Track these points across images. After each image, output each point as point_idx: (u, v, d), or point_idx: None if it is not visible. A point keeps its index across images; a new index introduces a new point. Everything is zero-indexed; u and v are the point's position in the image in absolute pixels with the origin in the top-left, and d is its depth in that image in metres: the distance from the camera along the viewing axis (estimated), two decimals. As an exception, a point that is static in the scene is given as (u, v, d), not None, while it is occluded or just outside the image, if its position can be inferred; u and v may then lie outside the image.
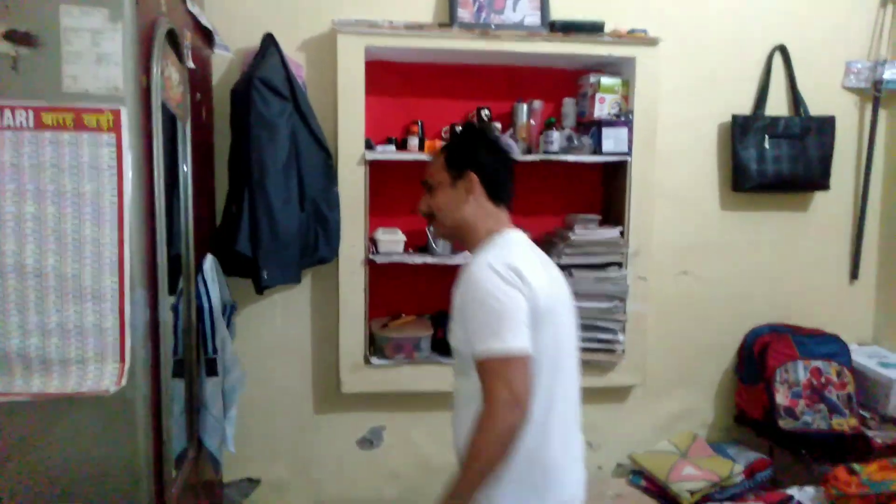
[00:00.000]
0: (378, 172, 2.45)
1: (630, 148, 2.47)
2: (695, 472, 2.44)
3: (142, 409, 1.42)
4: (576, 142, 2.46)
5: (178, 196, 1.81)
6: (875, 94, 2.72)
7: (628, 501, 2.45)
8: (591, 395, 2.69)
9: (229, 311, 2.10)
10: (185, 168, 1.79)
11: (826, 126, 2.68)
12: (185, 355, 1.83)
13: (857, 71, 2.74)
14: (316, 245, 2.29)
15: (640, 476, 2.58)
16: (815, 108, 2.69)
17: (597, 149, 2.45)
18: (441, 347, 2.50)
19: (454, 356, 1.41)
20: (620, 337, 2.49)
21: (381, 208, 2.50)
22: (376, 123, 2.45)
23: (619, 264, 2.49)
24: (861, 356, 2.64)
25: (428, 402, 2.57)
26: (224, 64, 2.37)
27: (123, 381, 1.37)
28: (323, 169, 2.30)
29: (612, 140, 2.45)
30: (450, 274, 2.61)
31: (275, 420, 2.52)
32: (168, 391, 1.52)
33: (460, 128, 1.51)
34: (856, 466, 2.15)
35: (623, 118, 2.48)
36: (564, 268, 2.45)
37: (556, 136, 2.44)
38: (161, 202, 1.47)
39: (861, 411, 2.50)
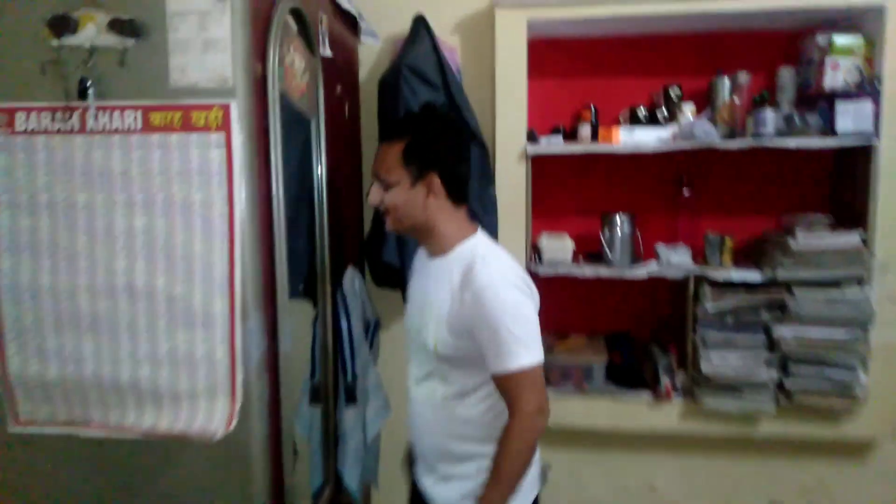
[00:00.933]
0: (542, 168, 2.13)
1: (877, 127, 1.88)
2: (978, 568, 1.78)
3: (257, 452, 1.23)
4: (797, 122, 1.94)
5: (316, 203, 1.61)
6: None
7: (871, 593, 1.86)
8: (816, 449, 2.15)
9: (372, 329, 1.88)
10: (320, 171, 1.59)
11: None
12: (322, 380, 1.64)
13: None
14: (469, 254, 2.00)
15: (889, 561, 1.96)
16: None
17: (828, 129, 1.92)
18: (616, 376, 2.10)
19: (428, 359, 1.37)
20: (861, 376, 1.91)
21: (545, 210, 2.19)
22: (540, 111, 2.12)
23: (861, 280, 1.90)
24: None
25: (601, 441, 2.19)
26: (373, 55, 2.16)
27: (233, 424, 1.17)
28: (478, 166, 1.99)
29: (851, 117, 1.90)
30: (628, 288, 2.23)
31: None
32: (290, 430, 1.32)
33: (420, 113, 1.40)
34: None
35: (866, 88, 1.89)
36: (783, 284, 1.92)
37: (771, 116, 1.93)
38: (280, 212, 1.26)
39: None
